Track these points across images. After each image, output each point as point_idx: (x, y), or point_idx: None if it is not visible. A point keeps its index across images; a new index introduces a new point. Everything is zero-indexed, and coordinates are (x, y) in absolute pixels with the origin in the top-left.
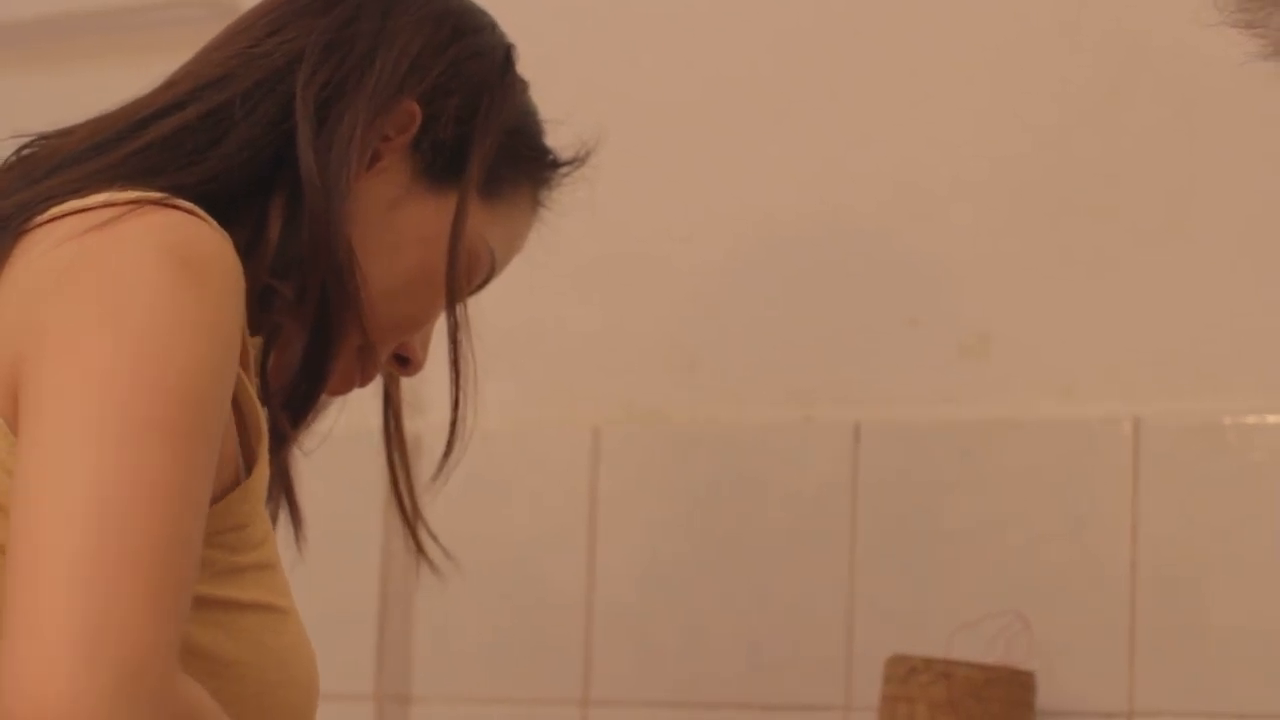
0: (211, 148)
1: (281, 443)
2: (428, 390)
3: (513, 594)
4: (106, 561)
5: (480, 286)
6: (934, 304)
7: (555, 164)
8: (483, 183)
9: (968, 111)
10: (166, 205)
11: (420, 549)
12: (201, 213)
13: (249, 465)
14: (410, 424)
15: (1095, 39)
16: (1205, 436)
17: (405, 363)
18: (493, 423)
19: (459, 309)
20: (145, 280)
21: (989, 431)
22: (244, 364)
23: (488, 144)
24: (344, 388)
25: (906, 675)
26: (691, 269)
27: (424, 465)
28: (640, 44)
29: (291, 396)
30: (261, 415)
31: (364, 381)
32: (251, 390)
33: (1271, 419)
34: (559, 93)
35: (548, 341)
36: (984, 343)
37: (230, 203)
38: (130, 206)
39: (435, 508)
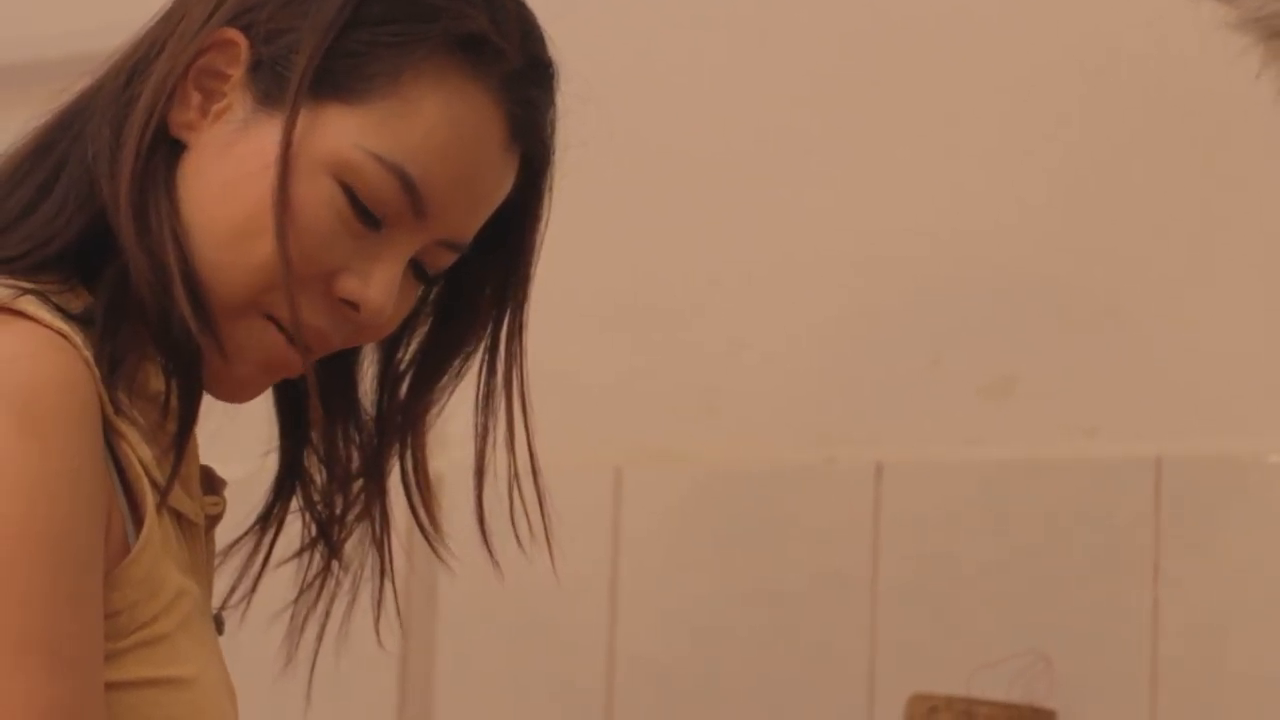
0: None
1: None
2: (451, 427)
3: (534, 635)
4: None
5: (406, 208)
6: (957, 344)
7: (471, 36)
8: (337, 84)
9: (990, 154)
10: (12, 315)
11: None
12: (46, 320)
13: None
14: (433, 462)
15: (1117, 85)
16: (1228, 477)
17: (354, 307)
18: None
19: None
20: None
21: (1011, 471)
22: (120, 436)
23: (315, 41)
24: (271, 374)
25: (928, 714)
26: (714, 310)
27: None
28: (666, 89)
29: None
30: (147, 490)
31: (312, 344)
32: (138, 466)
33: None
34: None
35: (570, 382)
36: (1007, 383)
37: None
38: None
39: (455, 548)
